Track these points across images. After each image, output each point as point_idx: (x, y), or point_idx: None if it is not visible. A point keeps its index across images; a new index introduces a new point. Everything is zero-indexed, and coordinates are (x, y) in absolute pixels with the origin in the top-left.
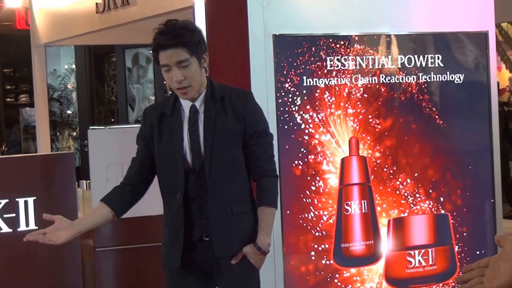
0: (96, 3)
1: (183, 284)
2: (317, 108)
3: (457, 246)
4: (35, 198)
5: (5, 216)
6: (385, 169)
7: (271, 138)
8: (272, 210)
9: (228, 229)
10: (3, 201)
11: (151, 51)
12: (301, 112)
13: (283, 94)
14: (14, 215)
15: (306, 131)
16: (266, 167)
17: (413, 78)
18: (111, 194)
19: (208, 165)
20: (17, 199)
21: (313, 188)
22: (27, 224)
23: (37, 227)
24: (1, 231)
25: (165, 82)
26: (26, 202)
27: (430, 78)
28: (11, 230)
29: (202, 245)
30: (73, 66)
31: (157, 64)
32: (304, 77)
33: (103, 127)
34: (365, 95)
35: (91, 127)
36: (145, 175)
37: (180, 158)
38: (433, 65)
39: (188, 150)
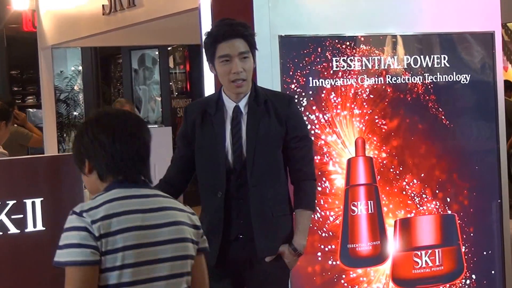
0: (103, 5)
1: (216, 283)
2: (323, 109)
3: (464, 247)
4: (42, 199)
5: (12, 217)
6: (391, 170)
7: (311, 142)
8: (309, 213)
9: (270, 230)
10: (11, 202)
11: (157, 53)
12: (307, 113)
13: None
14: (21, 216)
15: (312, 131)
16: (305, 170)
17: (419, 78)
18: None
19: (250, 166)
20: (24, 200)
21: (320, 188)
22: (34, 225)
23: (44, 228)
24: (9, 232)
25: (171, 83)
26: (33, 203)
27: (436, 78)
28: (18, 231)
29: (236, 244)
30: (80, 67)
31: (211, 57)
32: (310, 78)
33: None
34: (371, 96)
35: None
36: (186, 175)
37: (223, 158)
38: (439, 66)
39: (229, 150)
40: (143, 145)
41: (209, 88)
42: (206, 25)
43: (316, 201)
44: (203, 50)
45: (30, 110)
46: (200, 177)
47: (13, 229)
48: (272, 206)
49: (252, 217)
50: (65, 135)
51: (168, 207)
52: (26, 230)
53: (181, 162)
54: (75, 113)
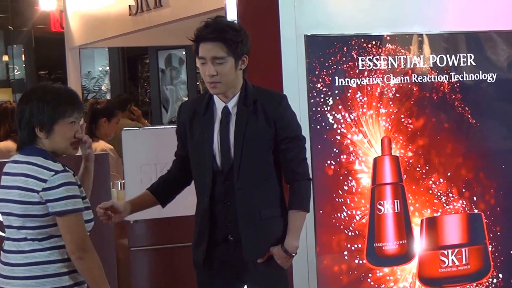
0: (129, 6)
1: (211, 283)
2: (349, 108)
3: (490, 246)
4: None
5: None
6: (417, 169)
7: (303, 142)
8: (301, 213)
9: (257, 233)
10: None
11: (184, 53)
12: (333, 112)
13: (315, 94)
14: None
15: (338, 131)
16: (298, 171)
17: (445, 77)
18: (156, 185)
19: (237, 168)
20: None
21: (346, 187)
22: None
23: None
24: None
25: (198, 83)
26: None
27: (462, 77)
28: None
29: (227, 245)
30: (107, 68)
31: (197, 55)
32: (336, 77)
33: (137, 128)
34: (397, 95)
35: (125, 128)
36: (185, 171)
37: (209, 159)
38: (465, 65)
39: (217, 151)
40: (20, 116)
41: None
42: None
43: (310, 201)
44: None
45: None
46: (193, 178)
47: None
48: (261, 208)
49: (240, 220)
50: None
51: (17, 173)
52: None
53: (178, 160)
54: None
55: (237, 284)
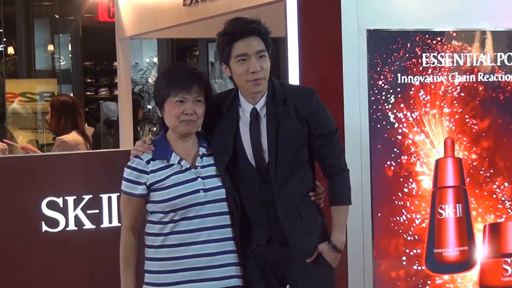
0: None
1: (256, 282)
2: (411, 107)
3: None
4: (118, 194)
5: (88, 212)
6: (481, 172)
7: (338, 135)
8: (344, 207)
9: (300, 231)
10: (87, 197)
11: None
12: (395, 111)
13: (376, 91)
14: (97, 211)
15: (400, 130)
16: (335, 165)
17: None
18: None
19: (273, 171)
20: (100, 195)
21: (406, 190)
22: (110, 221)
23: (120, 224)
24: (85, 227)
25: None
26: (109, 198)
27: None
28: (94, 226)
29: (272, 246)
30: (155, 59)
31: (226, 57)
32: (398, 74)
33: None
34: (462, 94)
35: None
36: None
37: (226, 158)
38: None
39: (250, 155)
40: None
41: (292, 82)
42: (292, 18)
43: (350, 192)
44: (218, 48)
45: (109, 102)
46: None
47: (88, 225)
48: (299, 207)
49: (281, 220)
50: (138, 129)
51: None
52: (101, 226)
53: None
54: (148, 106)
55: (282, 284)
